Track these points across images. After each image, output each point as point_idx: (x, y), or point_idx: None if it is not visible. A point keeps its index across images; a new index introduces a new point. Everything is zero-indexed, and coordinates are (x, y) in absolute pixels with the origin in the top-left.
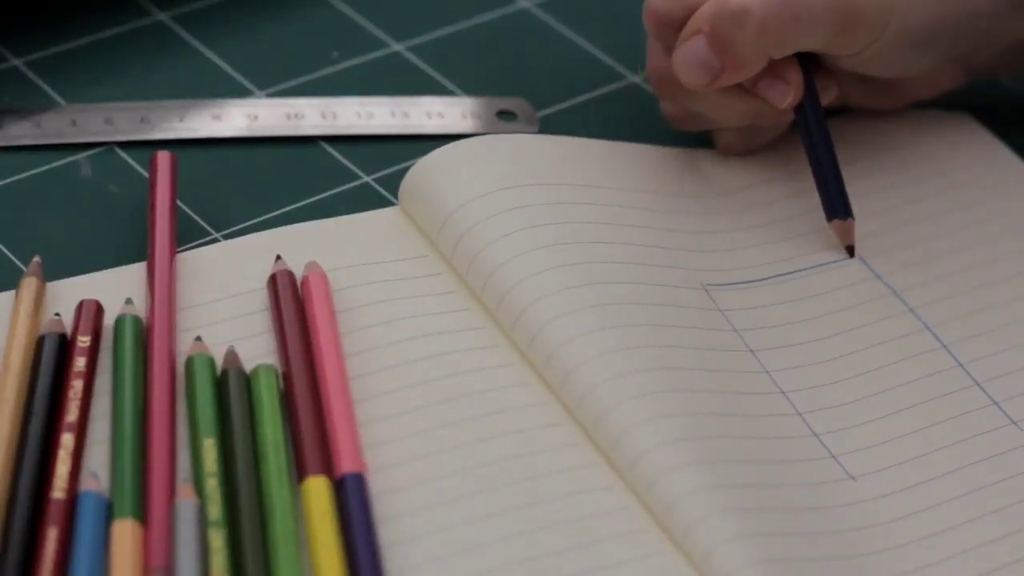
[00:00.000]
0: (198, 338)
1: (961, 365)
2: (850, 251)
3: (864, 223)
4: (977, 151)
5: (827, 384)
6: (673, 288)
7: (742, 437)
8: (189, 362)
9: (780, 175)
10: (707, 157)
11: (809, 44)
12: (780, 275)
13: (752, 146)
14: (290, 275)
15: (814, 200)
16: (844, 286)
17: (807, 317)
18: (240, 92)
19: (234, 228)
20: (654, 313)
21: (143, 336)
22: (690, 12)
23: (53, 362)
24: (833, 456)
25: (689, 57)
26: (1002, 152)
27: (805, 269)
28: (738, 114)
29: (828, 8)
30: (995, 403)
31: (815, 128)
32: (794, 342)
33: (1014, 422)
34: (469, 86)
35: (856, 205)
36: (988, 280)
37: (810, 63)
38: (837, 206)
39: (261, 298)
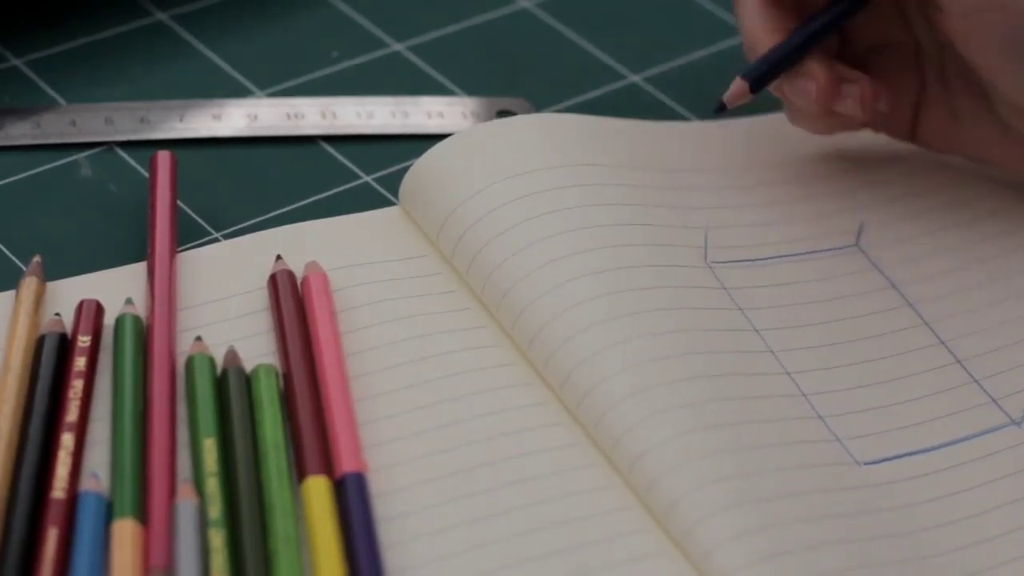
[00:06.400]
0: (198, 338)
1: (960, 362)
2: (721, 107)
3: (862, 213)
4: None
5: (832, 368)
6: (675, 268)
7: (746, 422)
8: (189, 362)
9: (805, 157)
10: (724, 131)
11: None
12: (784, 256)
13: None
14: (290, 275)
15: (827, 186)
16: (845, 274)
17: (810, 300)
18: (240, 92)
19: (234, 228)
20: (656, 299)
21: (143, 336)
22: None
23: (53, 362)
24: (839, 439)
25: None
26: None
27: (809, 252)
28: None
29: None
30: (994, 400)
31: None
32: (797, 323)
33: (1015, 422)
34: (469, 86)
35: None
36: (987, 278)
37: None
38: (759, 75)
39: (261, 298)
